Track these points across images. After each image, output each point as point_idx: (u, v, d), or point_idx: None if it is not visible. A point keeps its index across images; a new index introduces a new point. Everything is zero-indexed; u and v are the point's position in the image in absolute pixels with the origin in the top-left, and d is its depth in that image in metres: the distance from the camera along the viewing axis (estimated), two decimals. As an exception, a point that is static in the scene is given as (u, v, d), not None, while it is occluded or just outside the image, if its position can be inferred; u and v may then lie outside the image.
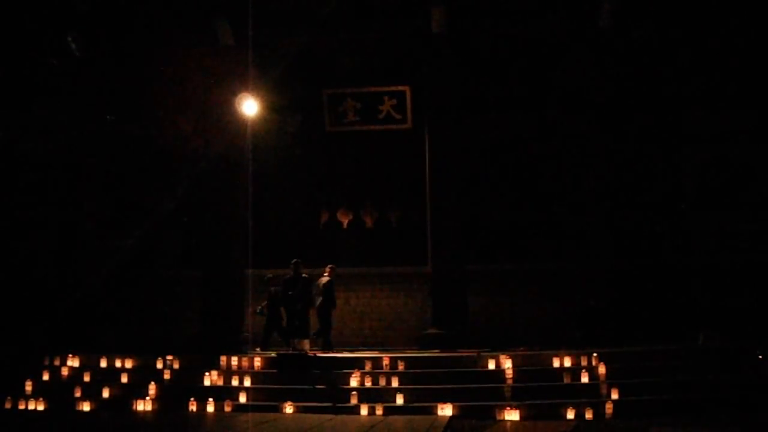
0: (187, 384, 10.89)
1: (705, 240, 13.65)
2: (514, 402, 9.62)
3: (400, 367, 10.69)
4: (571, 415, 9.33)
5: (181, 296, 13.99)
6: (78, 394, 10.81)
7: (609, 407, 9.41)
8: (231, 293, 13.23)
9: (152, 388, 10.62)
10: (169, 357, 11.41)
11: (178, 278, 14.19)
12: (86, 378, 11.25)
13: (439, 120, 13.49)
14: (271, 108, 13.43)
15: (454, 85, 13.49)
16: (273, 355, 11.47)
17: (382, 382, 10.43)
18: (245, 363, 11.22)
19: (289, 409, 9.77)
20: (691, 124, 13.89)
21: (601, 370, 10.24)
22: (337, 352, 11.95)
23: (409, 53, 13.80)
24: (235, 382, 10.84)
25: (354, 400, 9.99)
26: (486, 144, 14.21)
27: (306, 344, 11.57)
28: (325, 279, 12.42)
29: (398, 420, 9.27)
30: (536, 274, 13.62)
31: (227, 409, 10.17)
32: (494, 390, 10.02)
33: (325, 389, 10.41)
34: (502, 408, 9.44)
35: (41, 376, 11.39)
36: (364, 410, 9.74)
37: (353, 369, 10.65)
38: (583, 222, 13.71)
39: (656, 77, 13.60)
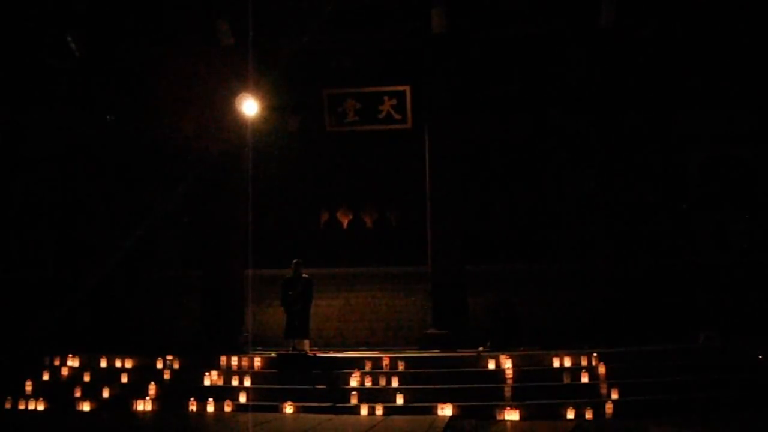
0: (187, 384, 10.89)
1: (705, 240, 13.64)
2: (514, 402, 9.63)
3: (400, 367, 10.70)
4: (571, 415, 9.34)
5: (181, 296, 13.99)
6: (78, 394, 10.80)
7: (609, 407, 9.42)
8: (231, 293, 13.21)
9: (152, 388, 10.62)
10: (169, 357, 11.42)
11: (178, 278, 14.18)
12: (86, 378, 11.24)
13: (439, 120, 13.47)
14: (271, 108, 13.42)
15: (455, 85, 13.45)
16: (273, 355, 11.48)
17: (382, 382, 10.43)
18: (245, 363, 11.23)
19: (289, 409, 9.77)
20: (692, 124, 13.88)
21: (601, 370, 10.25)
22: (336, 351, 11.94)
23: (409, 53, 13.77)
24: (235, 382, 10.85)
25: (354, 400, 10.00)
26: (486, 144, 14.20)
27: (306, 344, 11.57)
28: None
29: (398, 420, 9.27)
30: (536, 274, 13.61)
31: (227, 409, 10.18)
32: (494, 390, 10.02)
33: (325, 389, 10.42)
34: (502, 408, 9.45)
35: (41, 376, 11.38)
36: (364, 410, 9.74)
37: (353, 369, 10.66)
38: (584, 222, 13.70)
39: (656, 77, 13.59)
